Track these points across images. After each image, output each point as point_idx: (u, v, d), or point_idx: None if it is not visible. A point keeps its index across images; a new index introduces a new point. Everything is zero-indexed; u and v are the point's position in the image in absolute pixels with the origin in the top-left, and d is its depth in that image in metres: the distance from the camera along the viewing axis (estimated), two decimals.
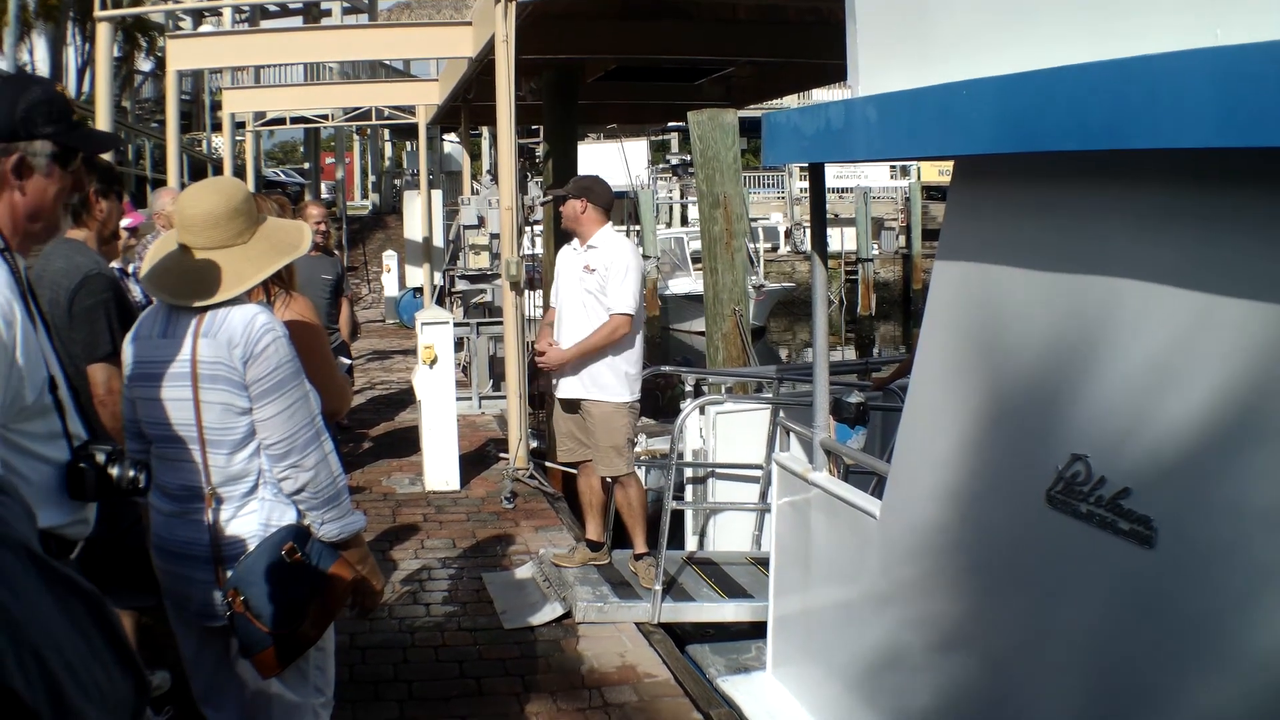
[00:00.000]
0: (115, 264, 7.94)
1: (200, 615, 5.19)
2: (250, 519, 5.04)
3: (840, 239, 58.07)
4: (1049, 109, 4.48)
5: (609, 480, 10.70)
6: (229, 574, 4.99)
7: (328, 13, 54.14)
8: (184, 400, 4.96)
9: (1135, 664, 4.51)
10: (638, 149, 57.38)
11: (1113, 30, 4.42)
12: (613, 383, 10.38)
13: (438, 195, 35.98)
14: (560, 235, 11.80)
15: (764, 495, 11.23)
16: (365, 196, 74.03)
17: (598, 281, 10.28)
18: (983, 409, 5.57)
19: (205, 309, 4.98)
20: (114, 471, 4.19)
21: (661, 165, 66.95)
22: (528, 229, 22.91)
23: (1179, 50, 3.78)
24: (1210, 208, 4.15)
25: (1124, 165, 4.49)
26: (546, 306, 11.37)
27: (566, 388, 10.54)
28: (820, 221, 7.58)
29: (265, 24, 46.28)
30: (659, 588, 9.89)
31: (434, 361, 14.32)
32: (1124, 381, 4.53)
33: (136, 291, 8.01)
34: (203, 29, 33.23)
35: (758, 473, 11.52)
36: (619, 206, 42.87)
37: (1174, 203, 4.32)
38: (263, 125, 45.15)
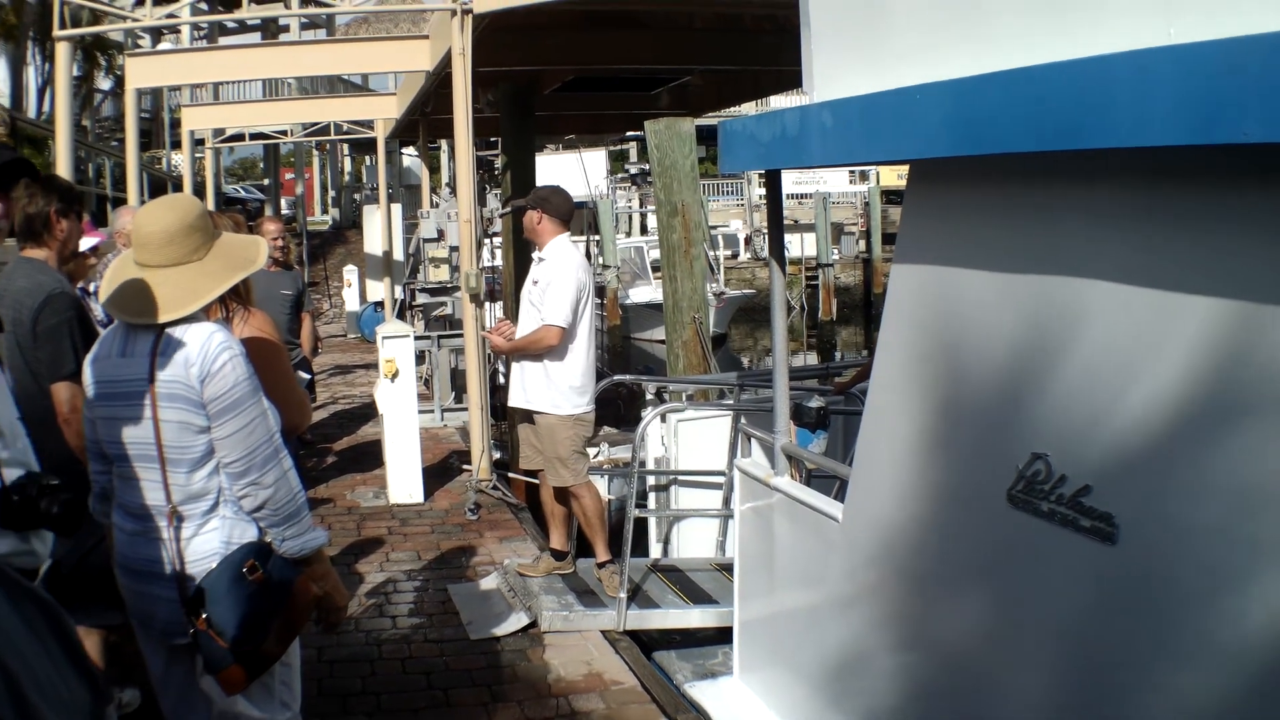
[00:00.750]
0: (79, 284, 7.93)
1: (165, 633, 5.19)
2: (211, 537, 5.04)
3: (800, 244, 58.16)
4: (1004, 111, 4.49)
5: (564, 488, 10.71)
6: (191, 592, 4.99)
7: (286, 29, 53.99)
8: (143, 419, 4.96)
9: (1099, 661, 4.53)
10: (596, 159, 57.41)
11: (1066, 31, 4.44)
12: (552, 395, 10.39)
13: (397, 209, 35.93)
14: (520, 246, 11.79)
15: (727, 501, 11.26)
16: (325, 211, 73.84)
17: (539, 293, 10.32)
18: (943, 410, 5.59)
19: (163, 327, 4.97)
20: (41, 505, 4.18)
21: (620, 175, 66.89)
22: (487, 241, 22.92)
23: (1133, 50, 3.80)
24: (1167, 206, 4.17)
25: (1080, 165, 4.51)
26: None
27: (512, 396, 10.67)
28: (778, 227, 7.59)
29: (224, 41, 46.09)
30: (624, 595, 9.90)
31: (395, 375, 14.33)
32: (1083, 380, 4.55)
33: (98, 310, 8.00)
34: (161, 47, 33.13)
35: (720, 479, 11.55)
36: (579, 217, 42.81)
37: (1130, 202, 4.34)
38: (222, 142, 45.04)
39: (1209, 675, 4.03)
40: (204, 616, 4.92)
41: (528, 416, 10.62)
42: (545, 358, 10.27)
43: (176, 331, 4.98)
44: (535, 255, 10.58)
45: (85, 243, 8.22)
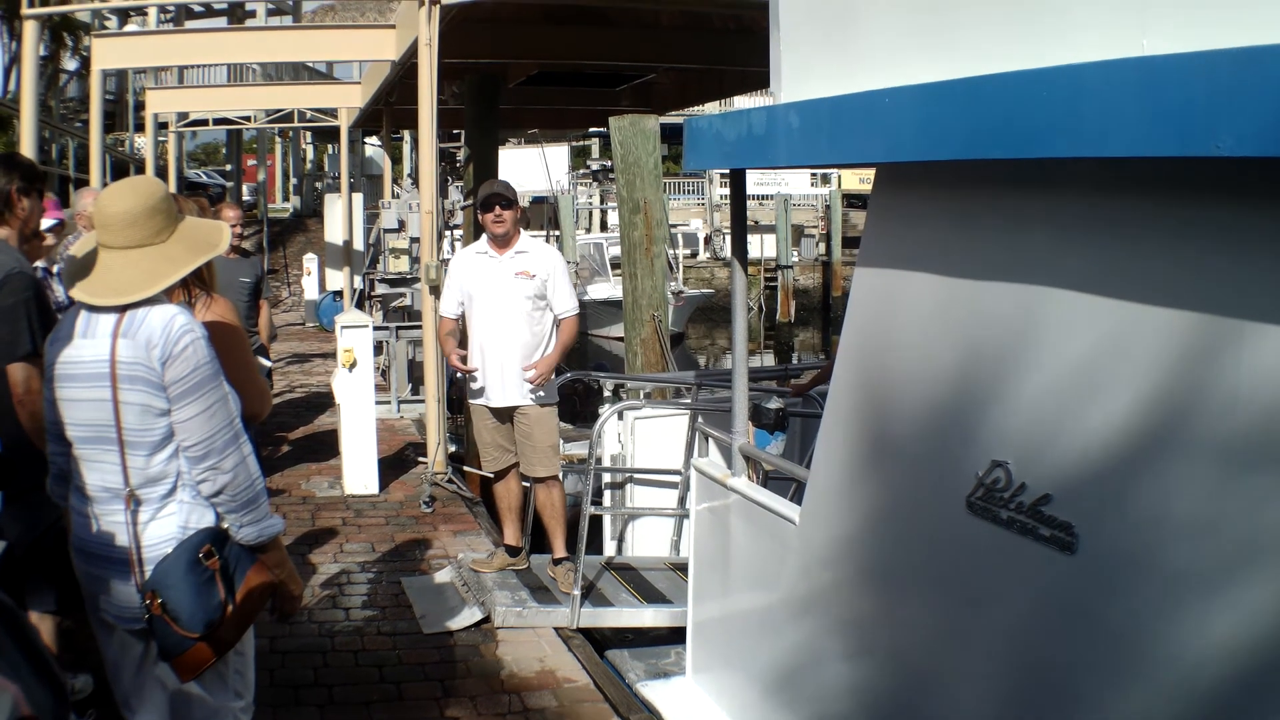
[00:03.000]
0: (39, 263, 7.88)
1: (120, 618, 5.16)
2: (169, 521, 5.01)
3: (760, 246, 58.18)
4: (971, 117, 4.50)
5: (532, 483, 10.68)
6: (147, 576, 4.96)
7: (252, 14, 53.88)
8: (103, 401, 4.93)
9: (1055, 670, 4.53)
10: (558, 154, 57.34)
11: (1037, 40, 4.45)
12: (549, 385, 10.46)
13: (359, 199, 35.83)
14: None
15: (683, 501, 11.24)
16: (287, 199, 73.60)
17: (537, 287, 10.27)
18: (903, 415, 5.59)
19: (124, 309, 4.95)
20: None
21: (582, 170, 66.94)
22: (448, 233, 22.84)
23: (1103, 60, 3.81)
24: (1131, 216, 4.18)
25: (1046, 173, 4.52)
26: (440, 315, 11.18)
27: (503, 397, 10.46)
28: (741, 227, 7.59)
29: (190, 24, 45.97)
30: (578, 592, 9.89)
31: (353, 365, 14.28)
32: (1045, 388, 4.56)
33: (59, 291, 7.95)
34: (128, 28, 32.96)
35: (676, 478, 11.53)
36: (540, 211, 42.81)
37: (1095, 211, 4.35)
38: (185, 126, 44.84)
39: (1165, 686, 4.04)
40: (159, 601, 4.89)
41: (501, 416, 10.59)
42: (540, 351, 10.29)
43: (139, 313, 4.95)
44: (490, 252, 10.47)
45: (45, 222, 8.17)
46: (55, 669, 3.52)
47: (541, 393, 10.38)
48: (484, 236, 10.63)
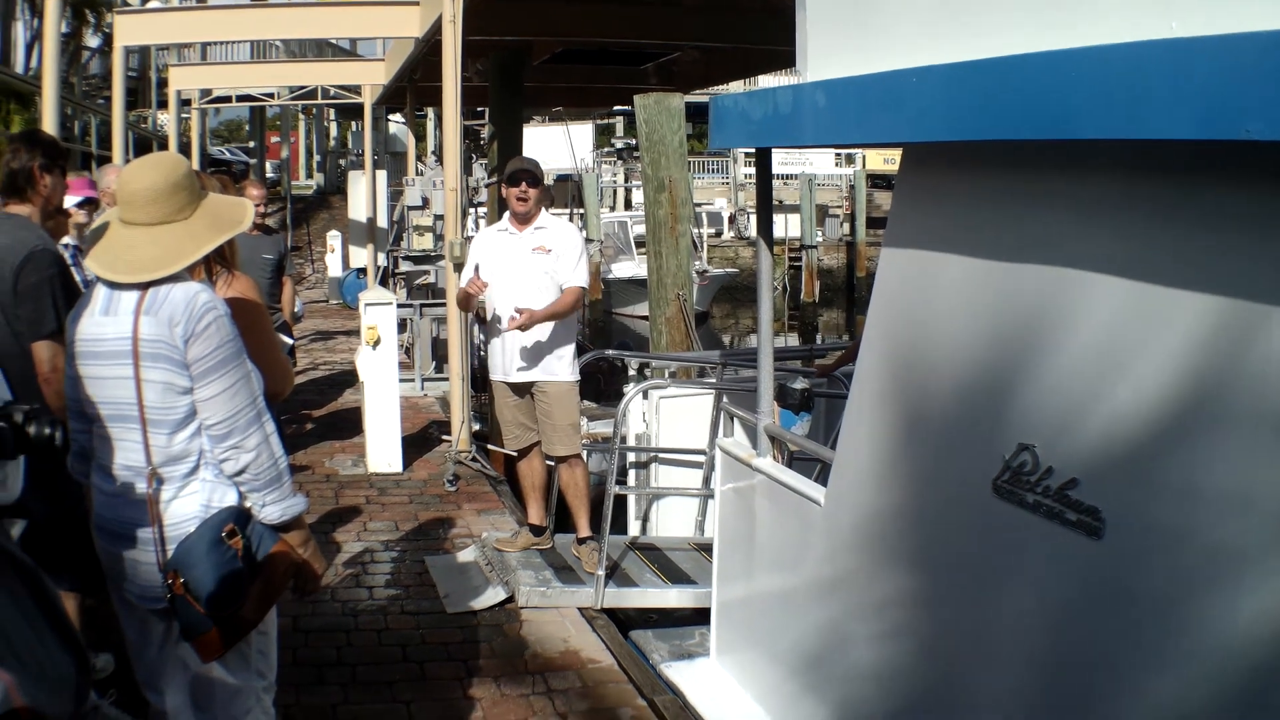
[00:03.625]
0: (68, 240, 7.87)
1: (142, 597, 5.15)
2: (191, 500, 4.99)
3: (784, 225, 58.08)
4: (999, 98, 4.46)
5: (555, 462, 10.67)
6: (169, 555, 4.95)
7: None
8: (125, 379, 4.92)
9: (1082, 655, 4.50)
10: (583, 132, 57.33)
11: (1065, 21, 4.40)
12: (564, 363, 10.41)
13: (382, 176, 35.80)
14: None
15: (707, 481, 11.24)
16: (310, 176, 73.66)
17: (553, 262, 10.27)
18: (929, 397, 5.56)
19: (147, 286, 4.93)
20: (30, 429, 4.13)
21: (606, 149, 66.84)
22: (471, 210, 22.83)
23: (1132, 41, 3.77)
24: (1159, 198, 4.14)
25: (1073, 155, 4.49)
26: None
27: (520, 372, 10.44)
28: (766, 207, 7.56)
29: (213, 1, 45.96)
30: (602, 573, 9.88)
31: (377, 342, 14.28)
32: (1072, 371, 4.53)
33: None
34: (151, 5, 32.97)
35: (701, 458, 11.52)
36: (563, 189, 42.80)
37: (1123, 193, 4.32)
38: (208, 103, 44.83)
39: (1193, 672, 4.01)
40: (181, 581, 4.88)
41: (520, 391, 10.57)
42: (552, 326, 10.24)
43: (161, 290, 4.93)
44: (510, 229, 10.48)
45: (70, 199, 8.17)
46: (78, 637, 3.50)
47: (556, 368, 10.35)
48: (506, 214, 10.61)
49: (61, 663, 3.29)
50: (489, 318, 10.54)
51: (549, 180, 42.02)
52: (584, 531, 10.62)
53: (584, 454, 10.91)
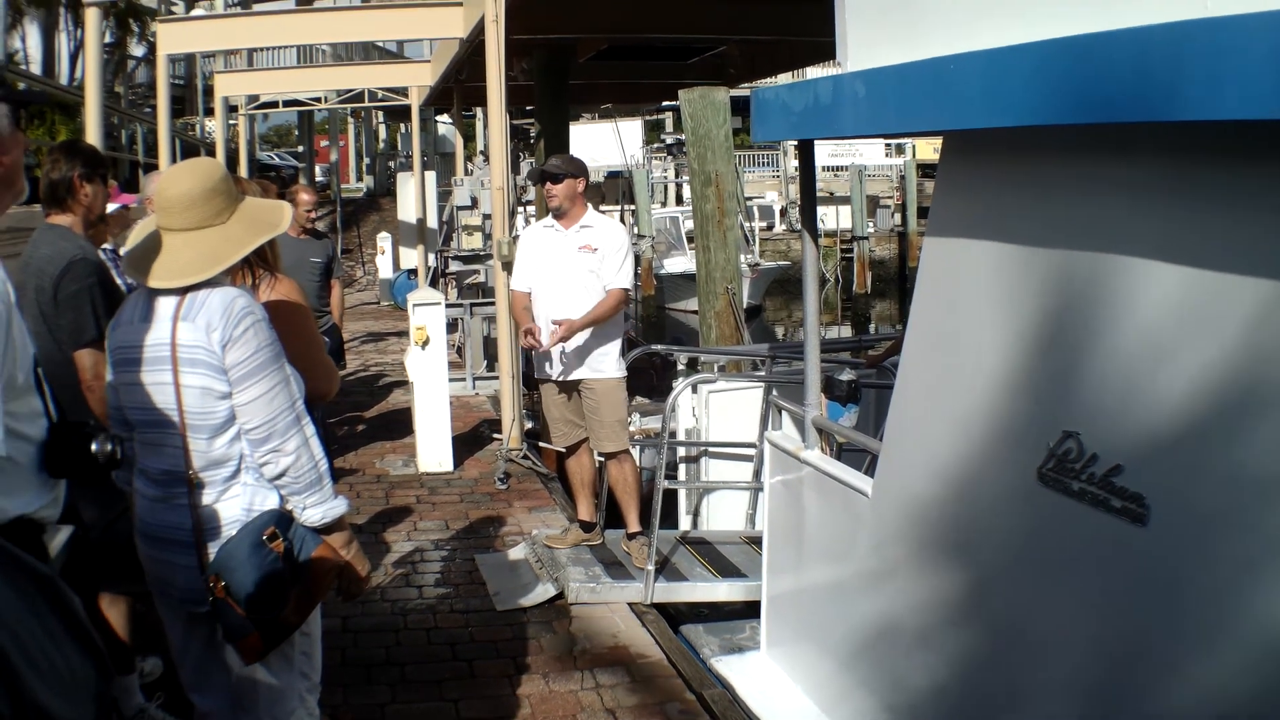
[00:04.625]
0: (107, 246, 7.90)
1: (184, 601, 5.16)
2: (232, 504, 5.00)
3: (836, 217, 58.11)
4: (1039, 82, 4.43)
5: (604, 458, 10.67)
6: (211, 559, 4.95)
7: None
8: (164, 384, 4.93)
9: (1128, 642, 4.48)
10: (632, 129, 57.44)
11: (1102, 4, 4.36)
12: (611, 360, 10.38)
13: (431, 177, 35.91)
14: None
15: (757, 474, 11.21)
16: (360, 179, 73.96)
17: (598, 261, 10.25)
18: (974, 386, 5.53)
19: (185, 291, 4.93)
20: (93, 447, 4.13)
21: (656, 145, 66.93)
22: (520, 209, 22.89)
23: (1171, 21, 3.73)
24: (1203, 183, 4.11)
25: (1117, 139, 4.45)
26: (512, 290, 11.16)
27: (565, 370, 10.43)
28: (810, 198, 7.53)
29: (257, 6, 46.12)
30: (652, 568, 9.86)
31: (426, 343, 14.31)
32: (1116, 358, 4.49)
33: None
34: (194, 13, 33.12)
35: (751, 451, 11.50)
36: (614, 186, 42.87)
37: (1169, 179, 4.28)
38: (256, 109, 45.18)
39: (1239, 658, 3.98)
40: (223, 584, 4.88)
41: (566, 389, 10.57)
42: (596, 326, 10.21)
43: (199, 296, 4.94)
44: (556, 226, 10.47)
45: (111, 207, 8.19)
46: (97, 641, 3.49)
47: (603, 365, 10.34)
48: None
49: (80, 669, 3.28)
50: (535, 315, 10.54)
51: (598, 178, 42.14)
52: (633, 527, 10.61)
53: (633, 449, 10.90)
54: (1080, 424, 4.63)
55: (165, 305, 4.97)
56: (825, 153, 60.50)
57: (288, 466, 4.99)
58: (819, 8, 7.10)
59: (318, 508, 5.12)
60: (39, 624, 3.19)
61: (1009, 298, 5.24)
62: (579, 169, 10.51)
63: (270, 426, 4.94)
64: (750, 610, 9.26)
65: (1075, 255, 4.74)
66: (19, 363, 3.86)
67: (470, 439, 16.21)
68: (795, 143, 8.05)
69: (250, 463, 5.03)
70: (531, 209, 23.23)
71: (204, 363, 4.87)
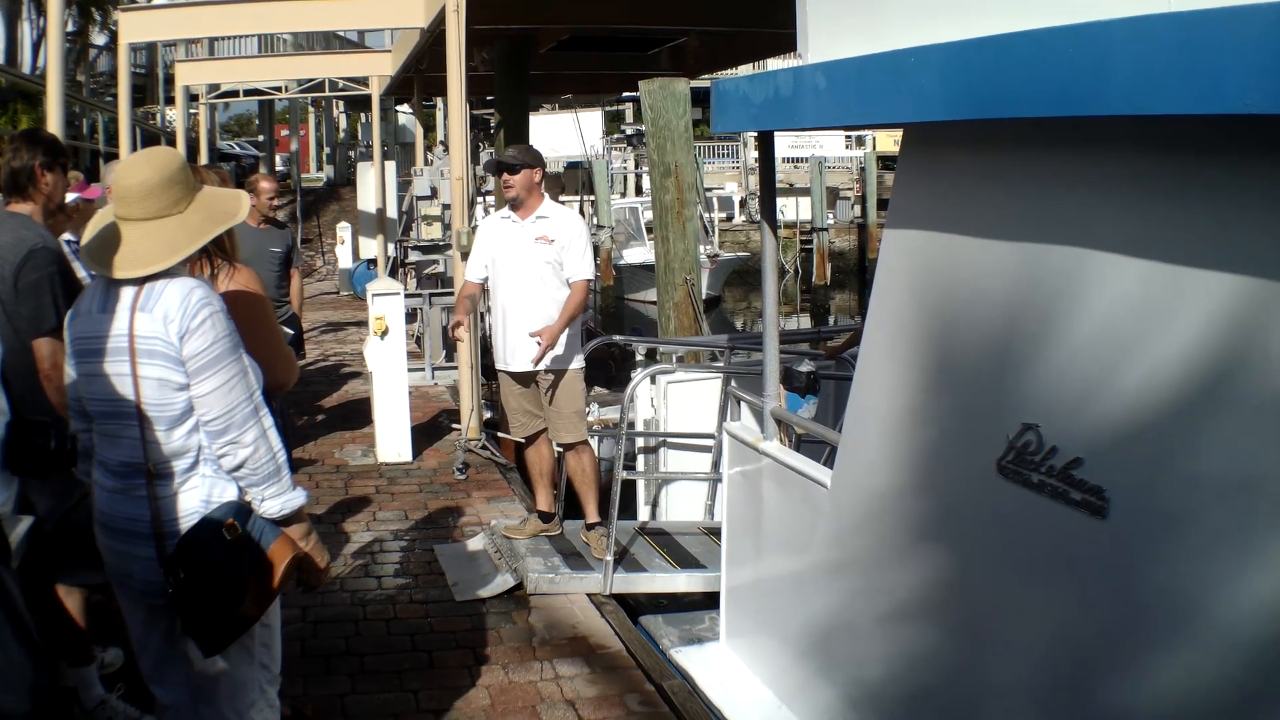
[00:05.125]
0: (68, 236, 7.88)
1: (143, 593, 5.15)
2: (191, 495, 4.99)
3: (795, 208, 58.16)
4: (999, 76, 4.44)
5: (562, 449, 10.67)
6: (169, 551, 4.94)
7: None
8: (122, 375, 4.91)
9: (1087, 635, 4.49)
10: (592, 119, 57.42)
11: None
12: (568, 351, 10.36)
13: (391, 166, 35.90)
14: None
15: (716, 465, 11.22)
16: (320, 168, 73.72)
17: (556, 253, 10.22)
18: (933, 378, 5.55)
19: (142, 282, 4.92)
20: (51, 444, 4.13)
21: (616, 136, 66.91)
22: (480, 199, 22.86)
23: (1132, 16, 3.74)
24: (1165, 176, 4.13)
25: (1076, 133, 4.47)
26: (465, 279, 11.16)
27: (523, 361, 10.35)
28: (770, 190, 7.55)
29: None
30: (611, 558, 9.87)
31: (385, 333, 14.29)
32: (1076, 351, 4.51)
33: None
34: (156, 1, 32.97)
35: (709, 442, 11.51)
36: (574, 176, 42.79)
37: (1128, 171, 4.30)
38: (216, 98, 44.88)
39: (1197, 653, 4.00)
40: (181, 576, 4.87)
41: (524, 380, 10.56)
42: (555, 316, 10.21)
43: (156, 286, 4.92)
44: (513, 217, 10.44)
45: (70, 196, 8.17)
46: (31, 630, 3.48)
47: (562, 357, 10.33)
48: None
49: (16, 660, 3.27)
50: (492, 306, 10.55)
51: (558, 168, 42.11)
52: (592, 517, 10.63)
53: (592, 440, 10.91)
54: (1040, 416, 4.64)
55: (123, 296, 4.95)
56: (785, 144, 60.56)
57: (246, 458, 4.98)
58: (779, 1, 7.12)
59: (276, 499, 5.11)
60: None
61: (968, 290, 5.26)
62: (535, 159, 10.50)
63: (228, 418, 4.93)
64: (709, 601, 9.28)
65: (1035, 248, 4.76)
66: None
67: (429, 429, 16.21)
68: (755, 134, 8.06)
69: (209, 454, 5.02)
70: (491, 199, 23.14)
71: (161, 354, 4.85)
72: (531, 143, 15.11)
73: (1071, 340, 4.54)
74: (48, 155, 7.15)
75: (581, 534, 10.68)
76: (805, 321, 49.43)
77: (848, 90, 5.85)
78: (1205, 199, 3.96)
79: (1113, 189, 4.38)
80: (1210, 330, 3.91)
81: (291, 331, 12.81)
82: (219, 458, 5.00)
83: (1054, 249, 4.63)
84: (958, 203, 5.36)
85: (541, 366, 10.26)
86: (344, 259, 37.91)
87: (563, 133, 45.77)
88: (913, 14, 5.50)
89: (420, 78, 25.87)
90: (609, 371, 19.48)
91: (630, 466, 11.78)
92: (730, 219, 61.52)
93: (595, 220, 45.79)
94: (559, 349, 10.18)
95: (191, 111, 38.07)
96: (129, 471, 5.02)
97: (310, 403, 17.99)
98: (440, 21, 15.69)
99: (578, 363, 10.46)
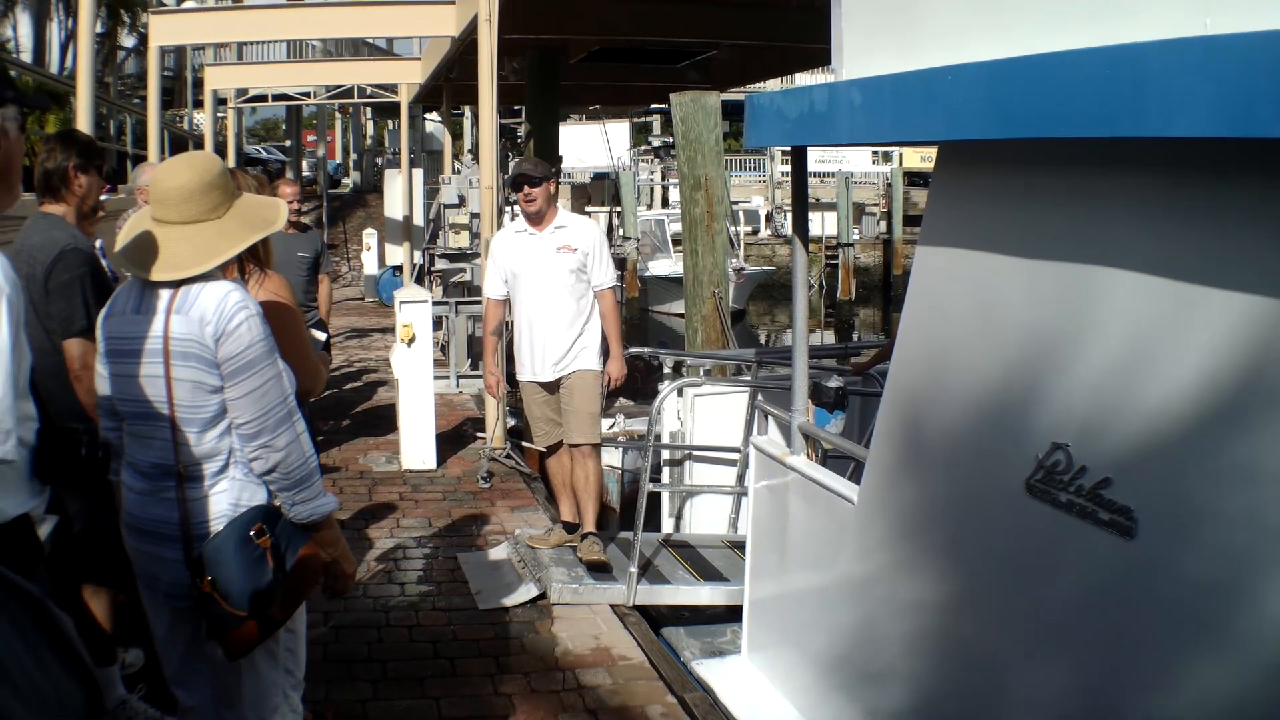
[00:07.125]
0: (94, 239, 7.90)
1: (170, 595, 5.15)
2: (220, 498, 4.99)
3: (821, 223, 58.07)
4: (1035, 95, 4.44)
5: (573, 449, 10.63)
6: (197, 554, 4.95)
7: None
8: (156, 377, 4.92)
9: (1114, 655, 4.49)
10: (620, 130, 57.43)
11: (1101, 19, 4.38)
12: (590, 353, 10.43)
13: (419, 174, 35.90)
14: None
15: (741, 478, 11.23)
16: (347, 175, 73.82)
17: (579, 260, 10.25)
18: (963, 395, 5.54)
19: (178, 284, 4.93)
20: (82, 452, 4.13)
21: (643, 147, 66.93)
22: (508, 208, 22.88)
23: (1167, 39, 3.75)
24: (1195, 197, 4.13)
25: (1110, 153, 4.47)
26: (486, 298, 11.19)
27: (539, 372, 10.46)
28: (802, 205, 7.55)
29: (249, 0, 46.06)
30: (634, 570, 9.85)
31: (412, 340, 14.30)
32: (1106, 371, 4.51)
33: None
34: (186, 5, 33.04)
35: (735, 456, 11.51)
36: (600, 187, 42.81)
37: (1159, 192, 4.30)
38: (244, 102, 44.89)
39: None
40: (208, 579, 4.88)
41: (550, 389, 10.57)
42: (579, 326, 10.29)
43: (193, 289, 4.93)
44: (529, 229, 10.48)
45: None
46: (87, 663, 3.48)
47: (587, 359, 10.39)
48: (521, 214, 10.62)
49: (66, 690, 3.27)
50: (515, 319, 10.57)
51: (585, 178, 42.10)
52: (589, 526, 10.62)
53: (617, 451, 10.90)
54: (1069, 436, 4.64)
55: (159, 297, 4.95)
56: (812, 158, 59.80)
57: (278, 462, 4.99)
58: (810, 14, 7.15)
59: (306, 504, 5.11)
60: (26, 648, 3.18)
61: (999, 308, 5.25)
62: (550, 171, 10.57)
63: (262, 422, 4.93)
64: (732, 614, 9.28)
65: (1067, 267, 4.75)
66: (25, 362, 3.86)
67: (454, 437, 16.22)
68: (786, 149, 8.07)
69: (239, 457, 5.02)
70: (519, 208, 23.21)
71: (196, 356, 4.86)
72: (560, 153, 15.14)
73: (1102, 360, 4.54)
74: (82, 157, 7.15)
75: (577, 541, 10.71)
76: (830, 337, 49.34)
77: (883, 107, 5.85)
78: (1232, 220, 3.96)
79: (1145, 209, 4.38)
80: (1240, 351, 3.91)
81: (323, 337, 12.82)
82: (251, 461, 5.00)
83: (1086, 268, 4.63)
84: (991, 221, 5.36)
85: (570, 369, 10.29)
86: (370, 265, 37.98)
87: (590, 143, 45.78)
88: (948, 32, 5.49)
89: (450, 86, 25.90)
90: (634, 383, 19.47)
91: (656, 479, 11.77)
92: (756, 232, 61.46)
93: (621, 231, 45.74)
94: (579, 350, 10.24)
95: (219, 115, 38.11)
96: (159, 473, 5.02)
97: (334, 409, 18.00)
98: (471, 30, 15.72)
99: (598, 364, 10.51)
